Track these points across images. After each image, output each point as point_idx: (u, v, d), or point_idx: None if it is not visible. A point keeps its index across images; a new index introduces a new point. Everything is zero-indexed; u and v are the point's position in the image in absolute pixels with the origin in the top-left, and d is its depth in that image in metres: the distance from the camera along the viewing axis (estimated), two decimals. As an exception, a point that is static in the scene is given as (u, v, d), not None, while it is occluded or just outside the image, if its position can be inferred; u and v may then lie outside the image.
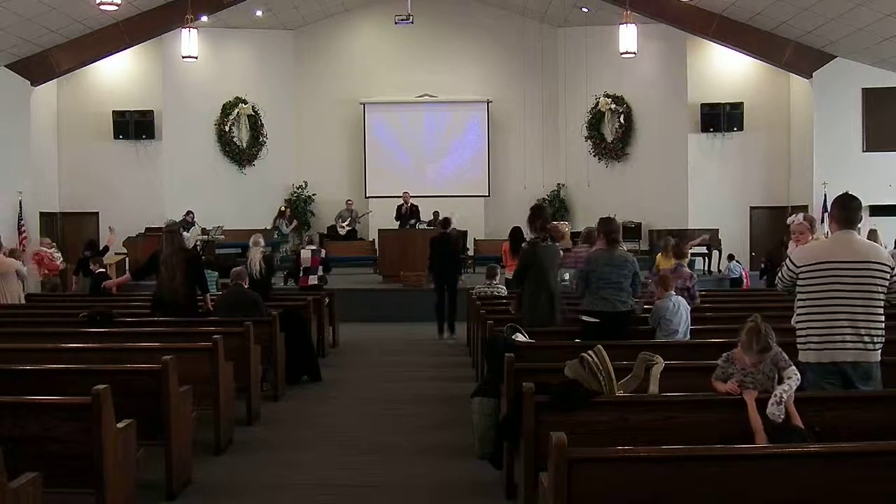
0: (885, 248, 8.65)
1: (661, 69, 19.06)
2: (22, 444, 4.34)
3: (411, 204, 18.12)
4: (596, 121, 19.90)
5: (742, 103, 18.09)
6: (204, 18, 17.56)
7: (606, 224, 7.10)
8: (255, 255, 10.74)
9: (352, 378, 9.65)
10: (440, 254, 12.39)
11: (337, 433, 7.13)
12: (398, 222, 17.89)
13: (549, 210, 8.81)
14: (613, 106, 19.61)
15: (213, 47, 19.06)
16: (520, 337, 6.58)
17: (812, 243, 5.26)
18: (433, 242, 12.59)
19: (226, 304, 8.68)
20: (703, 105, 18.16)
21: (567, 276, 12.50)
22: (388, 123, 20.69)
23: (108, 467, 4.48)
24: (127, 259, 16.75)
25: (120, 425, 4.70)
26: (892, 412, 4.43)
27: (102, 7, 14.25)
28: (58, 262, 14.40)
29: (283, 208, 19.39)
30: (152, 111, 18.42)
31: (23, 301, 10.84)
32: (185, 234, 10.18)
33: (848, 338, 4.70)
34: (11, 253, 11.44)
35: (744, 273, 16.23)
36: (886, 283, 4.78)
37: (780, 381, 4.43)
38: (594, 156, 19.98)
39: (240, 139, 19.99)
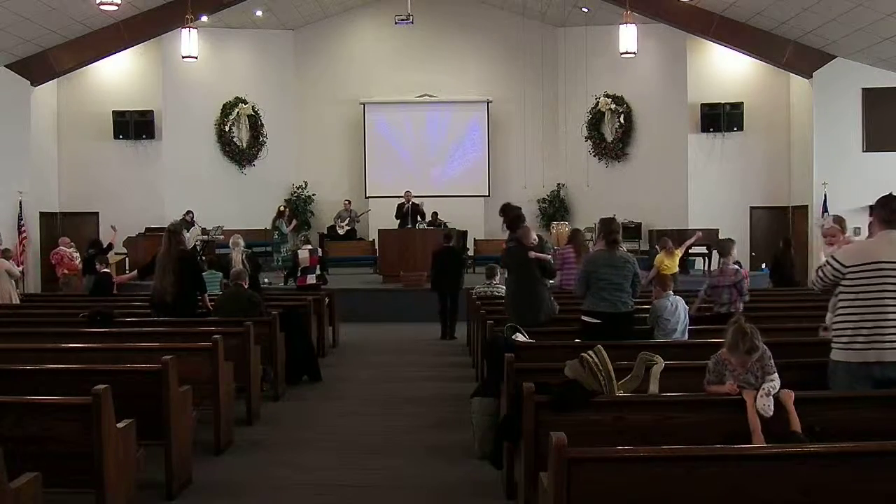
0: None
1: (661, 69, 19.06)
2: (22, 444, 4.34)
3: (413, 203, 18.10)
4: (596, 121, 19.90)
5: (742, 103, 18.08)
6: (204, 18, 17.56)
7: (606, 225, 7.09)
8: (237, 256, 10.80)
9: (352, 378, 9.65)
10: (443, 267, 12.41)
11: (337, 433, 7.13)
12: (399, 221, 17.85)
13: (516, 210, 8.86)
14: (613, 106, 19.60)
15: (213, 47, 19.06)
16: (520, 337, 6.59)
17: (858, 243, 5.25)
18: (436, 256, 12.58)
19: (225, 305, 8.68)
20: (703, 105, 18.15)
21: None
22: (388, 123, 20.69)
23: (108, 467, 4.48)
24: (127, 259, 16.76)
25: (120, 425, 4.70)
26: (893, 412, 4.43)
27: (102, 7, 14.25)
28: (77, 262, 14.38)
29: (282, 208, 19.39)
30: (152, 111, 18.41)
31: (15, 301, 10.82)
32: (185, 234, 10.16)
33: (891, 338, 4.71)
34: (4, 253, 11.44)
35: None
36: None
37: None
38: (594, 156, 19.97)
39: (240, 139, 19.99)
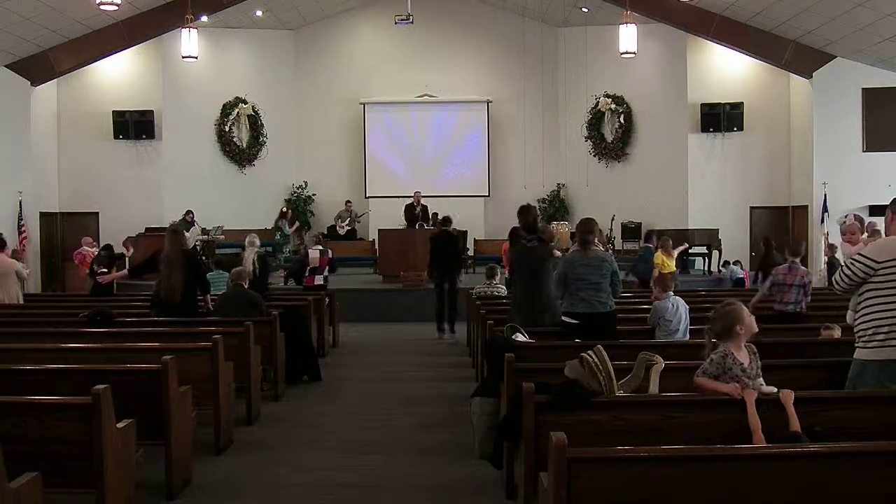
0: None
1: (661, 69, 19.06)
2: (22, 444, 4.33)
3: (423, 204, 17.92)
4: (596, 121, 19.90)
5: (742, 103, 18.09)
6: (204, 18, 17.56)
7: (580, 225, 7.17)
8: (250, 255, 10.74)
9: (352, 378, 9.65)
10: (441, 251, 12.39)
11: (337, 433, 7.13)
12: (407, 222, 17.57)
13: (536, 210, 8.83)
14: (613, 106, 19.61)
15: (213, 47, 19.06)
16: (520, 337, 6.58)
17: (885, 239, 5.21)
18: (433, 240, 12.59)
19: (226, 305, 8.68)
20: (703, 105, 18.15)
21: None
22: (388, 123, 20.69)
23: (108, 467, 4.48)
24: (127, 259, 16.74)
25: (120, 425, 4.70)
26: (892, 412, 4.43)
27: (102, 7, 14.26)
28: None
29: (284, 209, 19.39)
30: (152, 111, 18.42)
31: (21, 301, 10.83)
32: (185, 234, 10.15)
33: None
34: (13, 254, 11.44)
35: (744, 273, 16.24)
36: None
37: None
38: (594, 156, 19.98)
39: (240, 139, 19.99)
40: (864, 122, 16.78)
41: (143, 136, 18.38)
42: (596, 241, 7.23)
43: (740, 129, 18.10)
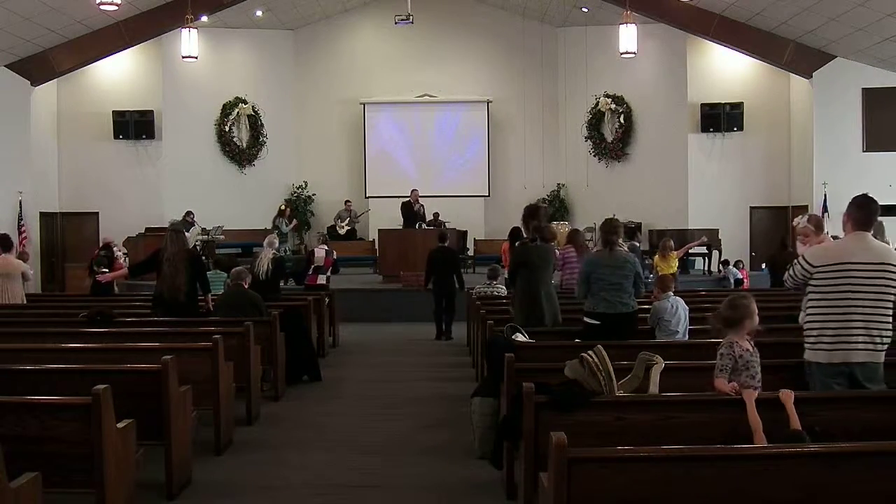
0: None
1: (661, 69, 19.06)
2: (22, 444, 4.33)
3: (421, 204, 17.86)
4: (596, 121, 19.90)
5: (742, 103, 18.09)
6: (204, 18, 17.57)
7: (604, 225, 7.16)
8: (266, 256, 10.63)
9: (352, 378, 9.65)
10: (439, 268, 12.38)
11: (337, 433, 7.13)
12: (404, 220, 17.51)
13: (547, 210, 8.84)
14: (613, 106, 19.61)
15: (213, 47, 19.06)
16: (520, 337, 6.58)
17: (828, 244, 5.29)
18: (431, 257, 12.54)
19: (226, 305, 8.68)
20: (703, 105, 18.16)
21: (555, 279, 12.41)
22: (388, 123, 20.69)
23: (108, 467, 4.48)
24: (127, 259, 16.73)
25: (120, 425, 4.70)
26: (892, 412, 4.43)
27: (102, 7, 14.26)
28: (124, 263, 14.29)
29: (282, 207, 19.39)
30: (152, 111, 18.43)
31: (24, 302, 10.84)
32: (185, 234, 10.14)
33: (860, 339, 4.74)
34: (19, 255, 11.44)
35: (743, 274, 16.24)
36: None
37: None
38: (594, 156, 19.98)
39: (240, 139, 19.99)
40: (864, 122, 16.79)
41: (143, 136, 18.39)
42: (620, 241, 7.21)
43: (740, 129, 18.11)
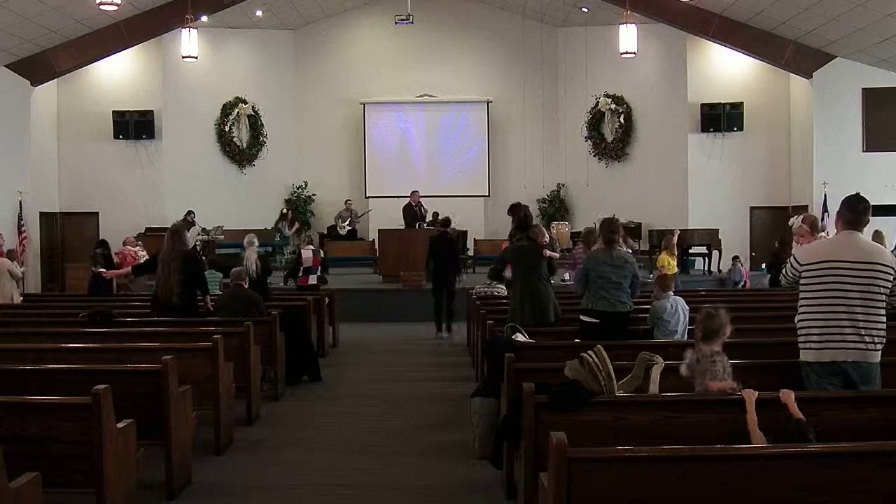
0: (893, 249, 8.62)
1: (661, 69, 19.06)
2: (22, 444, 4.34)
3: (421, 204, 17.81)
4: (596, 121, 19.91)
5: (742, 103, 18.08)
6: (204, 18, 17.57)
7: (605, 224, 7.18)
8: (251, 256, 10.67)
9: (352, 378, 9.66)
10: (440, 253, 12.41)
11: (337, 433, 7.13)
12: (406, 222, 17.45)
13: (528, 210, 8.94)
14: (613, 106, 19.61)
15: (213, 47, 19.06)
16: (520, 337, 6.58)
17: (816, 242, 5.31)
18: (433, 241, 12.61)
19: (226, 305, 8.68)
20: (703, 105, 18.15)
21: (567, 277, 12.49)
22: (388, 123, 20.69)
23: (108, 467, 4.48)
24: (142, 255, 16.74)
25: (120, 425, 4.70)
26: (892, 412, 4.43)
27: (102, 7, 14.26)
28: (142, 260, 14.28)
29: (284, 211, 19.37)
30: (152, 111, 18.41)
31: (17, 301, 10.82)
32: (186, 234, 10.12)
33: (849, 338, 4.72)
34: (7, 254, 11.43)
35: (744, 273, 16.23)
36: (889, 284, 4.79)
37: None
38: (594, 156, 19.98)
39: (240, 139, 19.99)
40: (864, 122, 16.78)
41: (143, 136, 18.37)
42: (621, 241, 7.22)
43: (740, 129, 18.09)
